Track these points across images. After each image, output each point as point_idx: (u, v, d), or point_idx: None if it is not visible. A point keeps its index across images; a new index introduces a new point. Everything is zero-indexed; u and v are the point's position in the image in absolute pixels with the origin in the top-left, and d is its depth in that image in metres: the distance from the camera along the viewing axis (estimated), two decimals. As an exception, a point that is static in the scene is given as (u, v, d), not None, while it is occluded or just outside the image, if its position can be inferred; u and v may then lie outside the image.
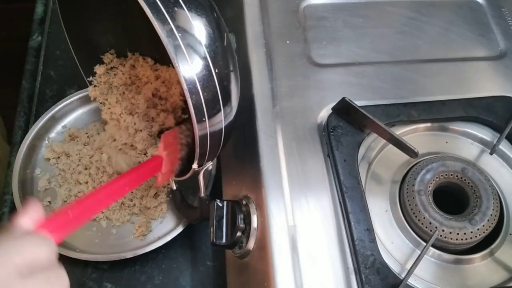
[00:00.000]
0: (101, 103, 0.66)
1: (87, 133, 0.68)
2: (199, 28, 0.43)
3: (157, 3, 0.40)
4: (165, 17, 0.40)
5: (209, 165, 0.53)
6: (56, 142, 0.67)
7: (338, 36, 0.61)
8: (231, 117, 0.47)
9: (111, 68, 0.66)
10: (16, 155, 0.64)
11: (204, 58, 0.42)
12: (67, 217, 0.38)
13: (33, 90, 0.74)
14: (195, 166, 0.49)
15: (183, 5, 0.42)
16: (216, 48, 0.44)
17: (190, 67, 0.41)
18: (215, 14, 0.45)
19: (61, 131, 0.68)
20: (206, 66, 0.42)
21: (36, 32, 0.80)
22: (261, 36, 0.58)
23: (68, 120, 0.69)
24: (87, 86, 0.70)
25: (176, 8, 0.41)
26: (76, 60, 0.63)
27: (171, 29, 0.40)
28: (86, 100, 0.70)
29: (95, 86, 0.66)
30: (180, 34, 0.41)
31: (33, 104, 0.73)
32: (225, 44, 0.45)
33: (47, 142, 0.67)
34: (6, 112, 0.94)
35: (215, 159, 0.62)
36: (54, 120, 0.68)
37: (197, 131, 0.43)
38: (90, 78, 0.66)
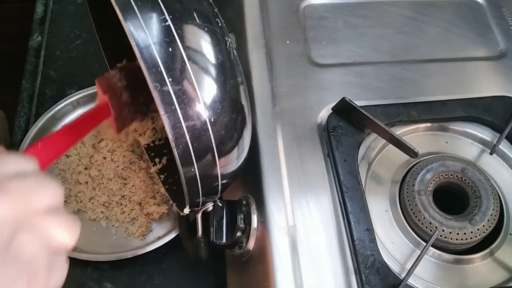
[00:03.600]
0: None
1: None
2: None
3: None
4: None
5: (210, 205, 0.48)
6: (56, 142, 0.67)
7: (338, 36, 0.60)
8: (231, 161, 0.43)
9: None
10: (16, 155, 0.64)
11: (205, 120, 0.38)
12: (37, 148, 0.40)
13: (33, 90, 0.74)
14: (186, 210, 0.45)
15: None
16: (221, 103, 0.39)
17: (179, 114, 0.36)
18: (227, 53, 0.41)
19: (61, 131, 0.68)
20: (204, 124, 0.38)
21: (36, 32, 0.80)
22: (261, 36, 0.58)
23: (68, 120, 0.69)
24: (87, 86, 0.70)
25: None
26: (106, 62, 0.60)
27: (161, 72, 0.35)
28: (86, 100, 0.70)
29: None
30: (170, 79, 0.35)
31: (33, 104, 0.73)
32: (238, 99, 0.40)
33: (47, 142, 0.67)
34: (6, 112, 0.94)
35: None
36: (54, 120, 0.68)
37: (183, 175, 0.39)
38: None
